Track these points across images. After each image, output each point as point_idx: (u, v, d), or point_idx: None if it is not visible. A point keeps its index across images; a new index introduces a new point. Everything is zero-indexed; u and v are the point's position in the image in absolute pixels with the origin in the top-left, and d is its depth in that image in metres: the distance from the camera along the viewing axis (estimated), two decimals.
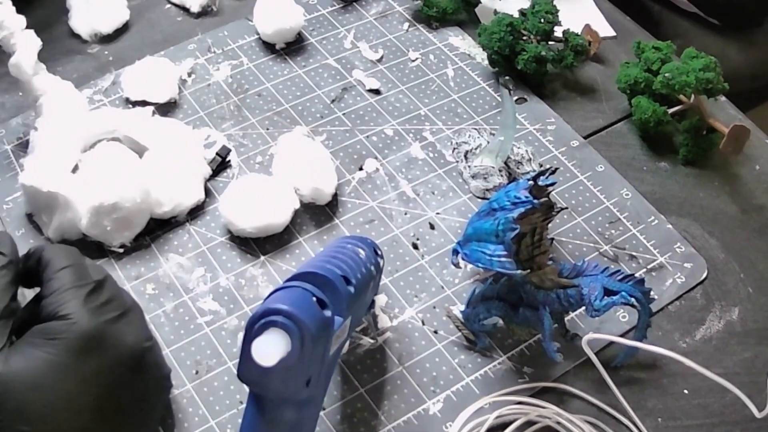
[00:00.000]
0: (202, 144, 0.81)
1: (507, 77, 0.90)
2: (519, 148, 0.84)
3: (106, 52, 0.90)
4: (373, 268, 0.63)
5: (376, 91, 0.89)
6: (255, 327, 0.48)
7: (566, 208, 0.80)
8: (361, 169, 0.82)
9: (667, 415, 0.68)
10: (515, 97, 0.90)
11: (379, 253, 0.67)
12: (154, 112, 0.82)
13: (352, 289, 0.56)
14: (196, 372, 0.67)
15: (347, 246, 0.62)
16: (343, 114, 0.86)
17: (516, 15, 0.90)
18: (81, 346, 0.52)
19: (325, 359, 0.52)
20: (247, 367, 0.48)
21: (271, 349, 0.46)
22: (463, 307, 0.70)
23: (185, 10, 0.96)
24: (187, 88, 0.87)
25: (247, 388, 0.63)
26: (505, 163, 0.82)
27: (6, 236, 0.57)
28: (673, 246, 0.79)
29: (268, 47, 0.92)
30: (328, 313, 0.51)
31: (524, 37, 0.89)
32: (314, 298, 0.51)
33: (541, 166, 0.83)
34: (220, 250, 0.75)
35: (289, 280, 0.54)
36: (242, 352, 0.48)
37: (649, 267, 0.77)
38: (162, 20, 0.95)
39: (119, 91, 0.86)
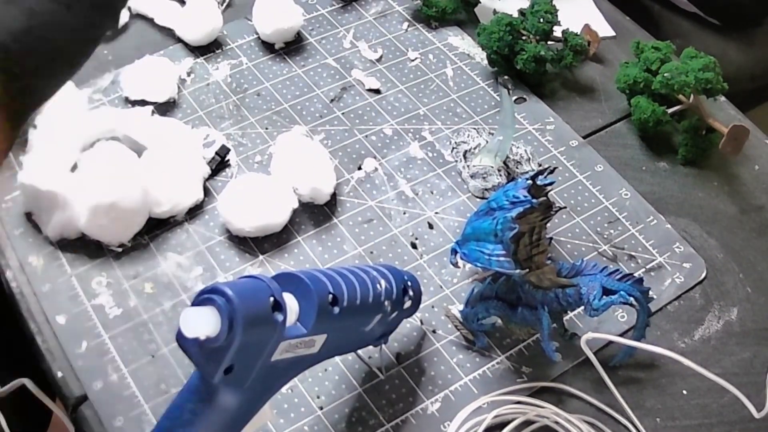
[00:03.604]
0: (201, 143, 0.81)
1: (506, 77, 0.90)
2: (518, 147, 0.84)
3: (105, 52, 0.90)
4: (388, 303, 0.60)
5: (376, 91, 0.89)
6: (197, 298, 0.47)
7: (565, 207, 0.80)
8: (359, 168, 0.82)
9: (665, 414, 0.68)
10: (514, 97, 0.90)
11: (410, 294, 0.64)
12: (153, 112, 0.82)
13: (336, 309, 0.54)
14: None
15: (371, 272, 0.60)
16: (342, 113, 0.86)
17: (515, 15, 0.90)
18: None
19: (264, 360, 0.50)
20: (179, 332, 0.48)
21: (198, 322, 0.46)
22: (461, 307, 0.70)
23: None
24: (186, 88, 0.87)
25: None
26: (504, 162, 0.82)
27: None
28: (672, 246, 0.79)
29: (267, 47, 0.92)
30: (279, 316, 0.49)
31: (523, 37, 0.89)
32: (271, 298, 0.49)
33: (540, 165, 0.83)
34: (218, 250, 0.75)
35: (276, 275, 0.53)
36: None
37: (647, 267, 0.77)
38: None
39: (118, 90, 0.86)
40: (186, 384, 0.50)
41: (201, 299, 0.47)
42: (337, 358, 0.68)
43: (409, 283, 0.64)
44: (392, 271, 0.62)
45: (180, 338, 0.48)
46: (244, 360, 0.48)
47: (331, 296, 0.54)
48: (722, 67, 0.82)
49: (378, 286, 0.59)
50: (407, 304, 0.64)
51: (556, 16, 0.89)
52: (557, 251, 0.77)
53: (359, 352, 0.66)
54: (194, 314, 0.46)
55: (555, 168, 0.68)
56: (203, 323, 0.46)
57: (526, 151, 0.84)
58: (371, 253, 0.75)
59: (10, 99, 0.56)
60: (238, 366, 0.48)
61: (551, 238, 0.75)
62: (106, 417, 0.64)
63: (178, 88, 0.86)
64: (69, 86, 0.82)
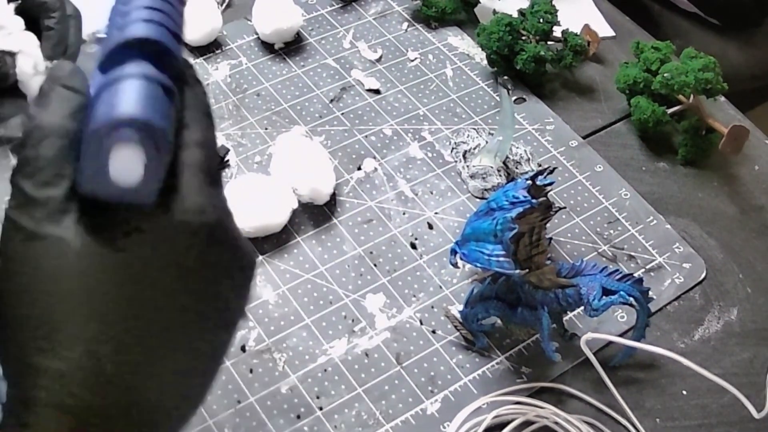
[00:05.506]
0: None
1: (506, 77, 0.90)
2: (518, 147, 0.84)
3: None
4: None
5: (375, 91, 0.89)
6: (105, 141, 0.36)
7: (564, 207, 0.80)
8: (359, 168, 0.82)
9: (665, 415, 0.68)
10: (514, 97, 0.89)
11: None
12: None
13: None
14: None
15: None
16: (342, 114, 0.86)
17: (515, 15, 0.90)
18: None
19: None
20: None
21: (129, 166, 0.36)
22: (461, 307, 0.70)
23: None
24: None
25: (244, 387, 0.63)
26: (504, 162, 0.82)
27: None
28: (672, 246, 0.79)
29: (267, 47, 0.92)
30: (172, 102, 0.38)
31: (523, 37, 0.89)
32: (161, 88, 0.37)
33: (539, 166, 0.83)
34: None
35: (118, 48, 0.38)
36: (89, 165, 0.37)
37: (647, 267, 0.77)
38: None
39: None
40: None
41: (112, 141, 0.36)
42: (336, 359, 0.68)
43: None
44: None
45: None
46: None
47: (174, 37, 0.39)
48: (722, 67, 0.82)
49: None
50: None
51: (556, 16, 0.89)
52: (557, 251, 0.77)
53: None
54: (120, 162, 0.36)
55: (555, 168, 0.68)
56: (133, 165, 0.36)
57: (525, 151, 0.84)
58: (371, 253, 0.75)
59: None
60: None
61: (551, 239, 0.75)
62: None
63: None
64: None
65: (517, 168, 0.82)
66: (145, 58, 0.38)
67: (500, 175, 0.81)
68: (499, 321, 0.69)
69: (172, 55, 0.39)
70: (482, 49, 0.92)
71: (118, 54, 0.38)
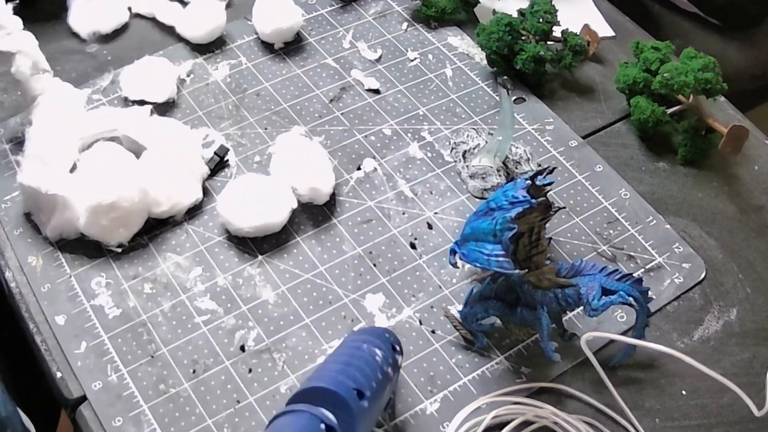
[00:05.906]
0: (200, 143, 0.81)
1: (505, 77, 0.90)
2: (517, 147, 0.84)
3: (105, 52, 0.90)
4: (390, 369, 0.60)
5: (375, 91, 0.89)
6: None
7: (564, 207, 0.80)
8: (359, 168, 0.82)
9: (664, 415, 0.68)
10: (514, 97, 0.89)
11: (398, 348, 0.63)
12: (152, 112, 0.82)
13: (366, 403, 0.54)
14: (194, 371, 0.67)
15: (363, 347, 0.60)
16: (342, 114, 0.86)
17: (515, 15, 0.90)
18: None
19: None
20: None
21: None
22: (460, 307, 0.70)
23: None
24: (186, 88, 0.87)
25: (244, 387, 0.63)
26: (504, 162, 0.82)
27: None
28: (672, 246, 0.79)
29: (267, 47, 0.92)
30: None
31: (523, 37, 0.89)
32: (322, 426, 0.49)
33: (539, 165, 0.83)
34: (217, 250, 0.75)
35: (297, 395, 0.52)
36: None
37: (647, 267, 0.77)
38: None
39: (118, 90, 0.86)
40: None
41: None
42: None
43: (390, 338, 0.63)
44: (376, 335, 0.62)
45: None
46: None
47: (356, 392, 0.54)
48: (722, 67, 0.82)
49: (377, 356, 0.59)
50: (400, 360, 0.63)
51: (556, 16, 0.89)
52: (556, 251, 0.77)
53: None
54: None
55: (554, 168, 0.68)
56: None
57: (525, 151, 0.84)
58: (370, 253, 0.75)
59: None
60: None
61: (550, 239, 0.75)
62: (105, 417, 0.64)
63: (178, 88, 0.86)
64: (68, 87, 0.82)
65: (516, 168, 0.82)
66: (322, 403, 0.52)
67: (500, 175, 0.81)
68: (498, 321, 0.69)
69: (346, 404, 0.53)
70: (482, 49, 0.92)
71: (304, 394, 0.53)
